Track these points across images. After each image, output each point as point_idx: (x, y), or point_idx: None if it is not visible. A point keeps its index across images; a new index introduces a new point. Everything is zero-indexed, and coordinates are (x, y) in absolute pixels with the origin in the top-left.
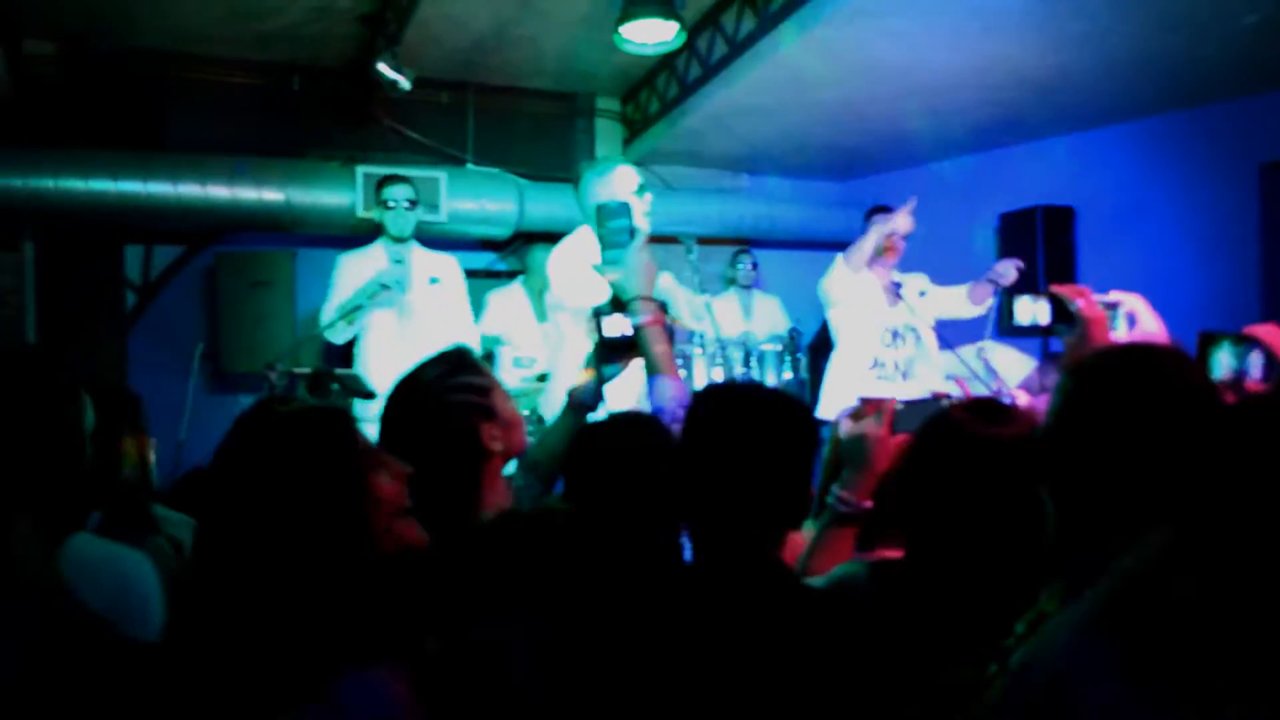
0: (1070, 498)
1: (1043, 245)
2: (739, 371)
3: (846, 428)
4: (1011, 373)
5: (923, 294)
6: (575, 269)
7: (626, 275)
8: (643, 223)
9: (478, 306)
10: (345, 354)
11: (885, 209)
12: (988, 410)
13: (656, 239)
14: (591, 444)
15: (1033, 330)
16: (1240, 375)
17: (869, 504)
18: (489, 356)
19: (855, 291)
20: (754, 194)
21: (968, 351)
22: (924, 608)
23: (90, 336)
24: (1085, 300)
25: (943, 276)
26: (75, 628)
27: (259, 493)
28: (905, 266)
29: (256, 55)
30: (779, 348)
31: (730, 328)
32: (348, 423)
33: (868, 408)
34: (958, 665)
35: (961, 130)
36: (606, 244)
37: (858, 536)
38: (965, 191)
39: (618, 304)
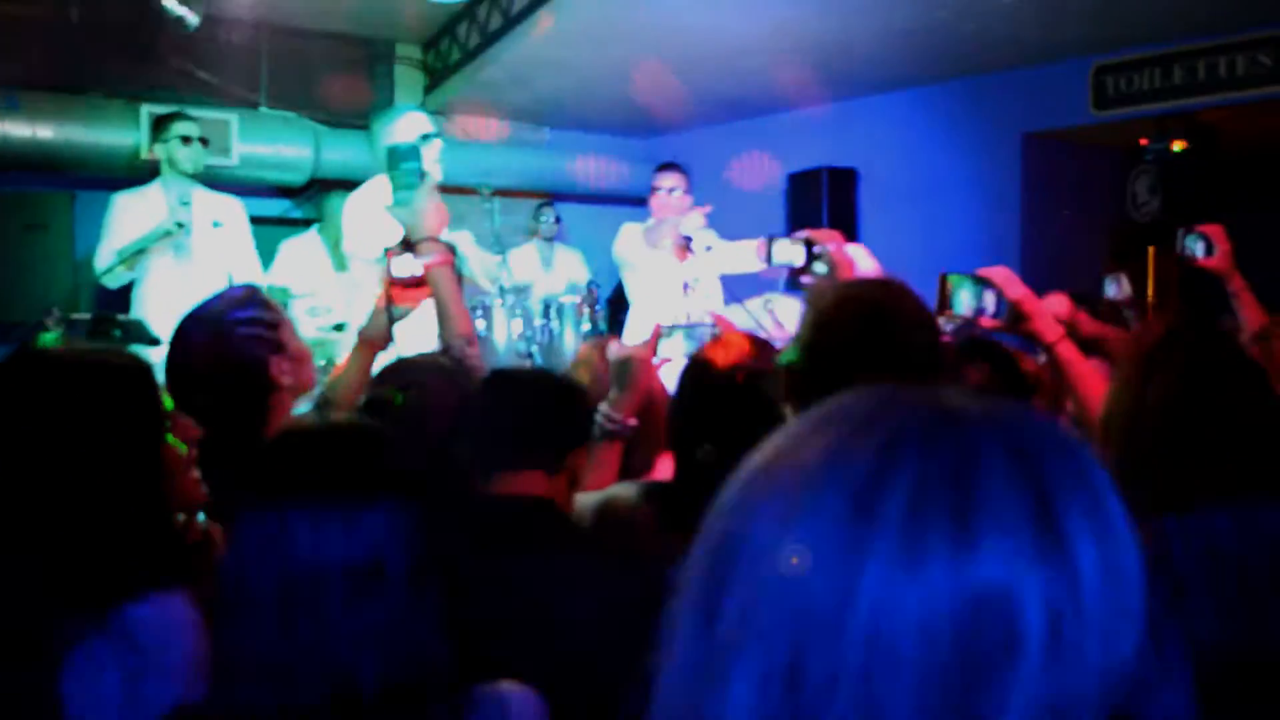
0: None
1: (827, 204)
2: (537, 323)
3: (614, 351)
4: (797, 322)
5: (709, 249)
6: (369, 217)
7: (415, 217)
8: (433, 167)
9: (271, 254)
10: (123, 300)
11: (673, 166)
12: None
13: (455, 189)
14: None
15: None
16: (979, 311)
17: (634, 421)
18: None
19: (647, 254)
20: (555, 148)
21: (755, 303)
22: (691, 521)
23: None
24: (835, 244)
25: (734, 233)
26: None
27: (54, 443)
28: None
29: None
30: (577, 300)
31: (529, 279)
32: (150, 379)
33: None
34: None
35: (754, 93)
36: (397, 186)
37: (624, 454)
38: (757, 152)
39: (408, 245)
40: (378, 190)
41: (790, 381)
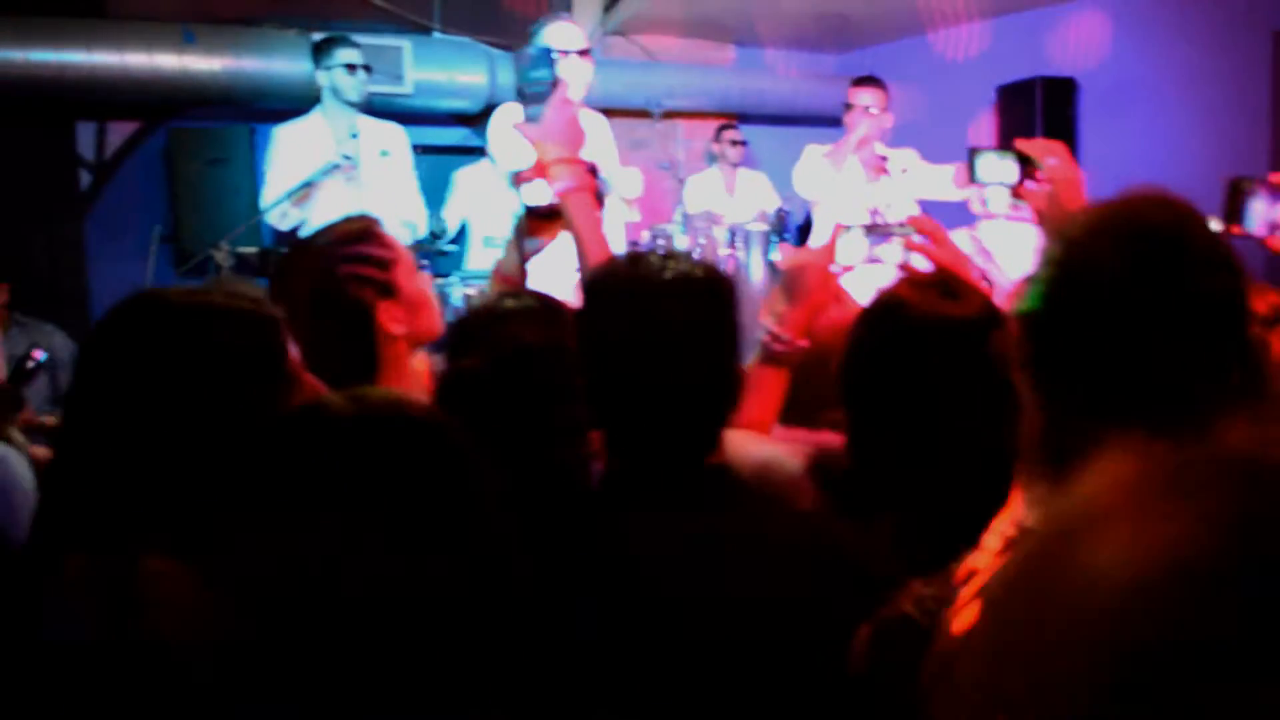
0: (1065, 390)
1: (1042, 119)
2: (723, 253)
3: (787, 257)
4: (1017, 255)
5: (904, 171)
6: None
7: (547, 135)
8: (578, 83)
9: (447, 183)
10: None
11: (872, 80)
12: (939, 285)
13: (633, 113)
14: (472, 331)
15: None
16: (1274, 228)
17: (804, 342)
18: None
19: (832, 178)
20: (743, 66)
21: (959, 234)
22: (872, 511)
23: (45, 218)
24: (1058, 158)
25: (939, 152)
26: None
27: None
28: (899, 141)
29: None
30: (765, 228)
31: (712, 206)
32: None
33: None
34: (915, 582)
35: None
36: (526, 99)
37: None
38: (963, 63)
39: (540, 168)
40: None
41: (1027, 340)
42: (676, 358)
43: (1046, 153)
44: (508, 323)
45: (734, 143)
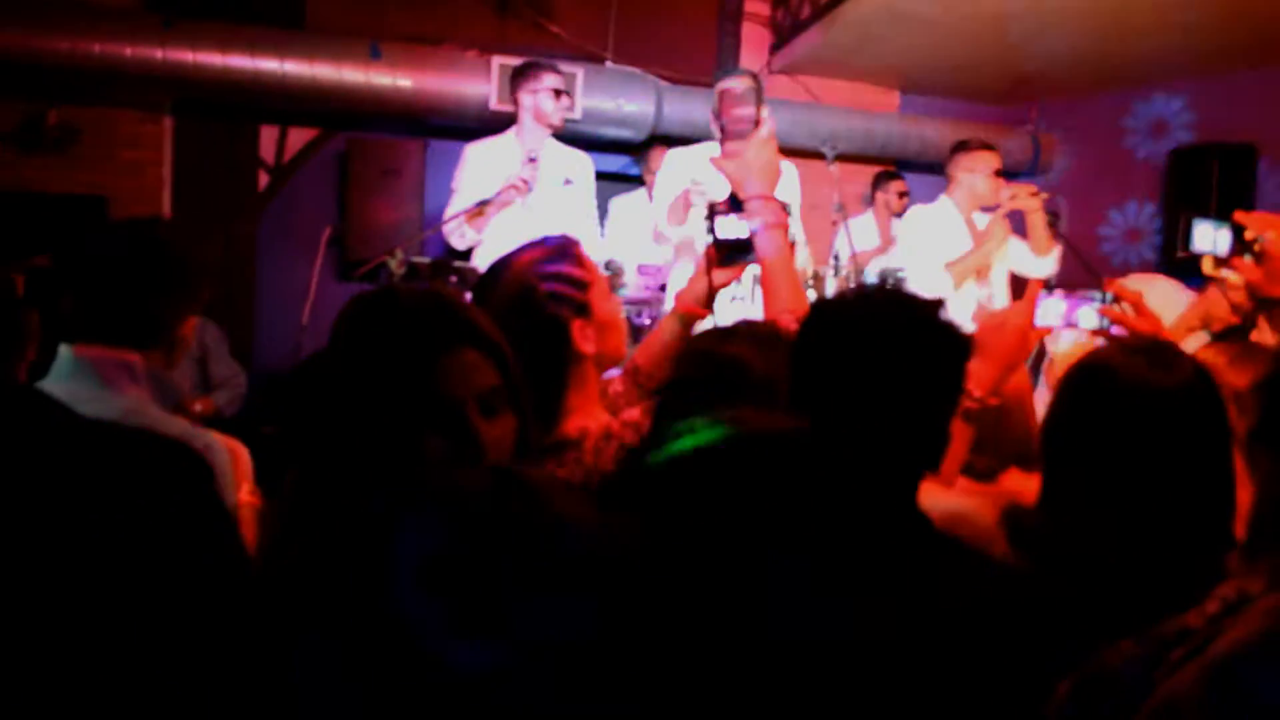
0: None
1: (1218, 186)
2: None
3: (984, 314)
4: (1167, 311)
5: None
6: (678, 180)
7: (745, 170)
8: (769, 120)
9: (604, 211)
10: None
11: (987, 145)
12: (1149, 352)
13: (793, 152)
14: (702, 355)
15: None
16: None
17: (995, 401)
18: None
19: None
20: (906, 113)
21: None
22: (1063, 568)
23: (223, 213)
24: (1277, 231)
25: (1101, 212)
26: None
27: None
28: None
29: None
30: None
31: (869, 251)
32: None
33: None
34: (1119, 641)
35: (1137, 57)
36: (727, 133)
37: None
38: (1135, 125)
39: (734, 203)
40: (700, 154)
41: (1270, 413)
42: (905, 394)
43: (1266, 227)
44: (730, 345)
45: (901, 194)
